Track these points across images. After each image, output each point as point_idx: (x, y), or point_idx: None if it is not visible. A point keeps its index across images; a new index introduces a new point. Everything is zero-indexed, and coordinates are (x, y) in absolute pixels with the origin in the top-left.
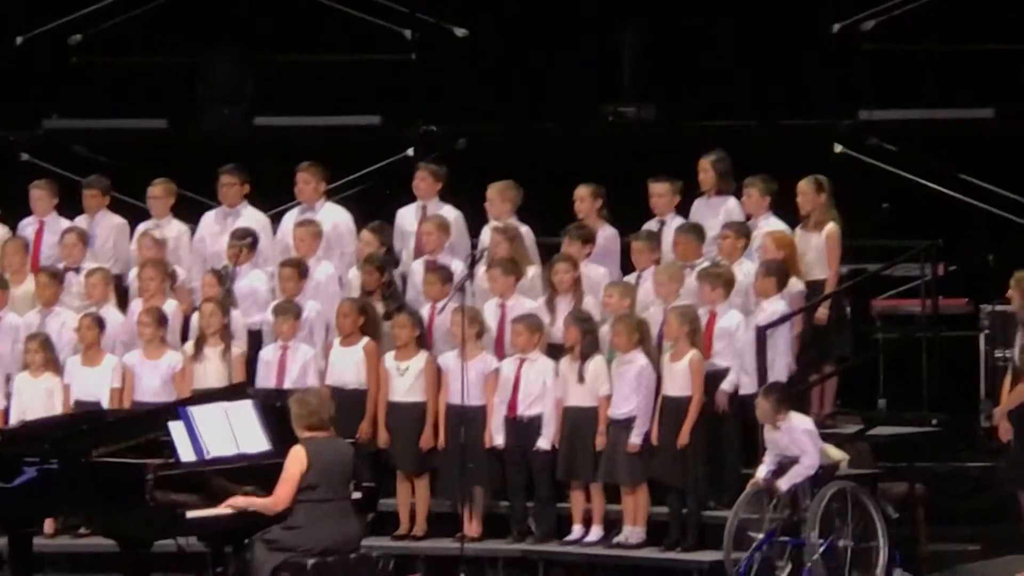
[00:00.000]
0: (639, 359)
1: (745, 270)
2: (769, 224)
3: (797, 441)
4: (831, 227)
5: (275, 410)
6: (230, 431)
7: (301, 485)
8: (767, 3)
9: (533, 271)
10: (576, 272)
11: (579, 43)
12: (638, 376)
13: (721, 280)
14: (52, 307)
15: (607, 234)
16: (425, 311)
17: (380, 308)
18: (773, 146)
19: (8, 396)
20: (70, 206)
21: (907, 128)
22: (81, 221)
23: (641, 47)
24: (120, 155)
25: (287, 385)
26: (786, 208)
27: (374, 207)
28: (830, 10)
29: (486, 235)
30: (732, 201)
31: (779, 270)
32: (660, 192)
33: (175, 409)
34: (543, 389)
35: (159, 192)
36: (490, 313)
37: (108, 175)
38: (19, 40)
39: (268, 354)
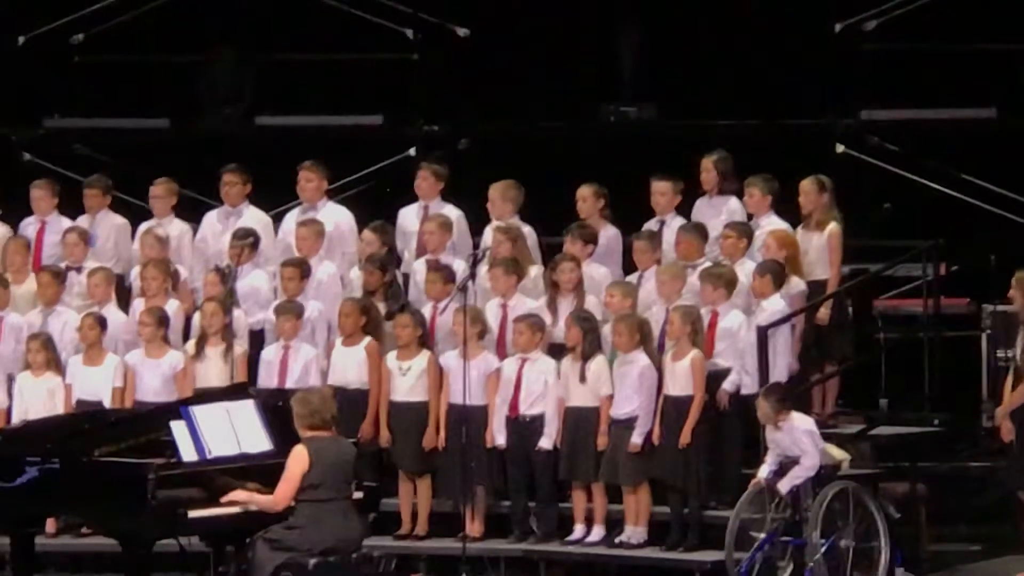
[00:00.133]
0: (641, 359)
1: (747, 270)
2: (771, 224)
3: (798, 441)
4: (833, 227)
5: (277, 410)
6: (232, 431)
7: (303, 484)
8: (769, 3)
9: (535, 271)
10: (579, 271)
11: (581, 43)
12: (640, 376)
13: (723, 280)
14: (54, 307)
15: (609, 234)
16: (427, 311)
17: (382, 308)
18: (775, 146)
19: (10, 396)
20: (72, 206)
21: (909, 128)
22: (82, 221)
23: (642, 47)
24: (122, 154)
25: (289, 385)
26: (788, 208)
27: (376, 207)
28: (832, 10)
29: (488, 235)
30: (734, 201)
31: (775, 270)
32: (662, 191)
33: (177, 409)
34: (545, 389)
35: (161, 192)
36: (492, 313)
37: (110, 175)
38: (21, 40)
39: (270, 354)
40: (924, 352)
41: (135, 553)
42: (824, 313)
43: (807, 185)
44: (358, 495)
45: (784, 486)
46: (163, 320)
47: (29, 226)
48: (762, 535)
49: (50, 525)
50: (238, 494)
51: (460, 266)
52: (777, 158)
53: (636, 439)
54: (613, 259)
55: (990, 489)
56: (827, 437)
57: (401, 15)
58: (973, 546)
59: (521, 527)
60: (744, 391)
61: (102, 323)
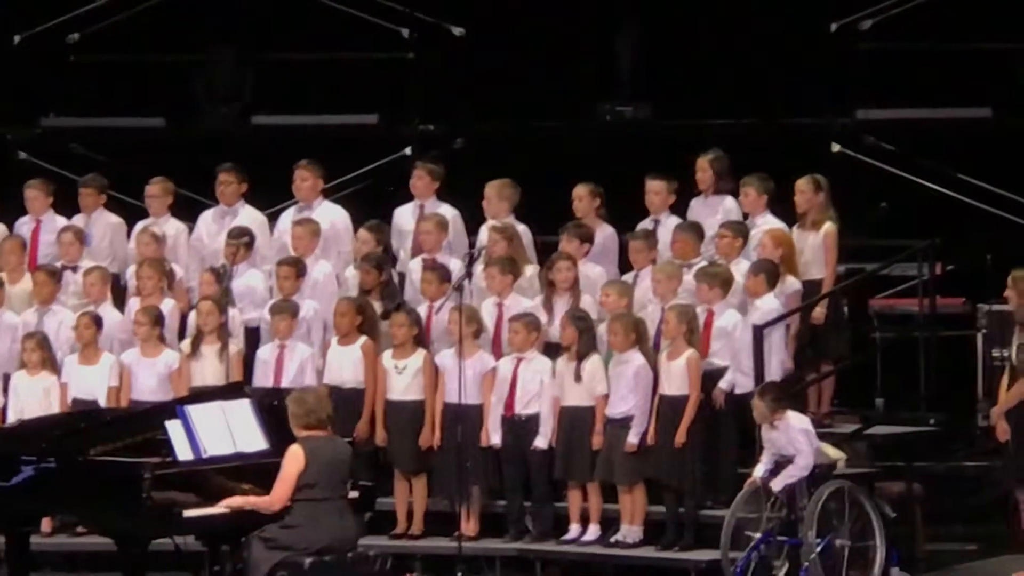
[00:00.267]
0: (636, 358)
1: (743, 269)
2: (767, 223)
3: (793, 440)
4: (828, 226)
5: (272, 409)
6: (227, 430)
7: (299, 484)
8: (765, 2)
9: (531, 270)
10: (575, 271)
11: (577, 42)
12: (635, 375)
13: (719, 279)
14: (49, 306)
15: (605, 233)
16: (423, 310)
17: (378, 307)
18: (771, 145)
19: (5, 395)
20: (68, 205)
21: (905, 127)
22: (78, 220)
23: (638, 46)
24: (118, 154)
25: (284, 384)
26: (783, 207)
27: (371, 206)
28: (828, 9)
29: (484, 234)
30: (730, 200)
31: (769, 269)
32: (656, 190)
33: (173, 408)
34: (540, 388)
35: (157, 191)
36: (487, 312)
37: (106, 174)
38: (17, 38)
39: (265, 353)
40: (920, 352)
41: (130, 552)
42: (820, 312)
43: (803, 184)
44: (354, 494)
45: (777, 484)
46: (158, 319)
47: (24, 225)
48: (758, 534)
49: (45, 524)
50: (234, 500)
51: (456, 265)
52: (773, 157)
53: (632, 439)
54: (609, 258)
55: (986, 488)
56: (823, 436)
57: (397, 14)
58: (969, 545)
59: (517, 526)
60: (739, 390)
61: (98, 322)
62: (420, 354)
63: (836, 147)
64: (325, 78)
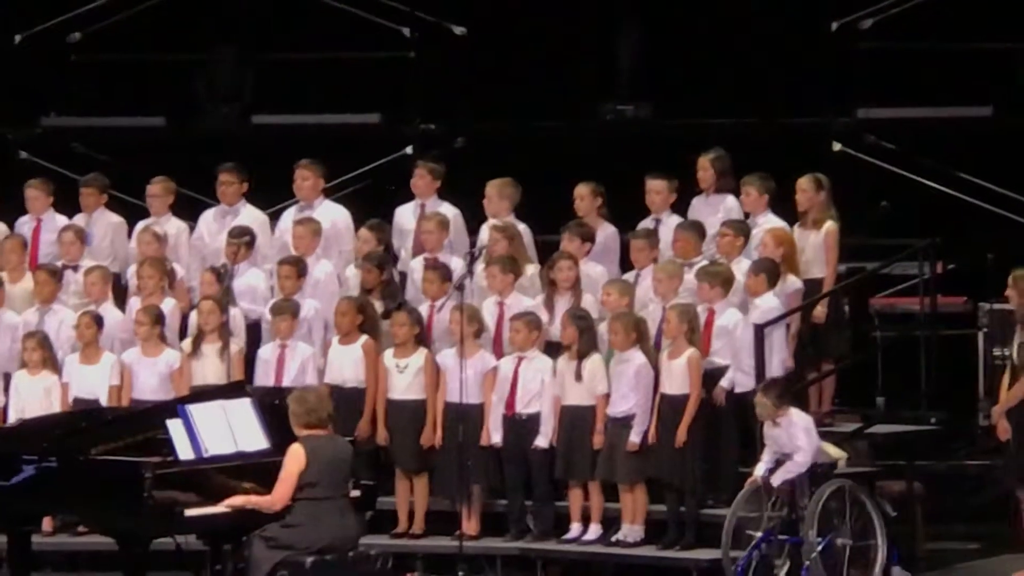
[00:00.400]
0: (637, 357)
1: (744, 268)
2: (768, 222)
3: (795, 437)
4: (829, 225)
5: (273, 408)
6: (229, 429)
7: (300, 483)
8: (765, 2)
9: (532, 269)
10: (576, 270)
11: (577, 41)
12: (636, 375)
13: (720, 278)
14: (50, 305)
15: (607, 232)
16: (424, 309)
17: (379, 306)
18: (772, 144)
19: (6, 394)
20: (69, 204)
21: (905, 126)
22: (79, 219)
23: (639, 45)
24: (119, 153)
25: (286, 383)
26: (784, 206)
27: (372, 205)
28: (828, 8)
29: (484, 233)
30: (731, 199)
31: (769, 268)
32: (657, 189)
33: (174, 407)
34: (541, 387)
35: (158, 190)
36: (488, 311)
37: (107, 173)
38: (18, 38)
39: (267, 352)
40: (921, 350)
41: (132, 551)
42: (821, 311)
43: (804, 183)
44: (355, 493)
45: (777, 479)
46: (159, 318)
47: (25, 225)
48: (759, 533)
49: (47, 523)
50: (235, 500)
51: (457, 264)
52: (774, 156)
53: (634, 438)
54: (611, 258)
55: (987, 487)
56: (824, 435)
57: (398, 13)
58: (970, 544)
59: (518, 526)
60: (740, 389)
61: (99, 321)
62: (421, 353)
63: (837, 146)
64: (326, 77)
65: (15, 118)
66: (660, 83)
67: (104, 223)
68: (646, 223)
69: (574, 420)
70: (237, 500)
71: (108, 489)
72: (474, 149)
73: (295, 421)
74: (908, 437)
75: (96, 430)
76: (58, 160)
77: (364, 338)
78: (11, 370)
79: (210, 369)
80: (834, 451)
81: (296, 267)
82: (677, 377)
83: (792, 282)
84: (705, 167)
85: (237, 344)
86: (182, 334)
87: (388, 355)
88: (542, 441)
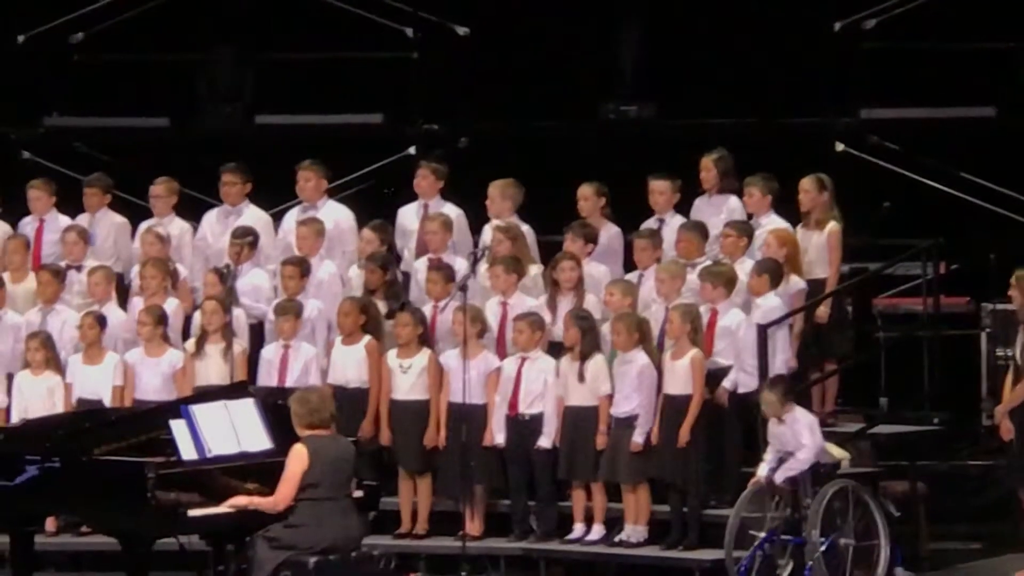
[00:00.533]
0: (640, 358)
1: (747, 269)
2: (771, 223)
3: (798, 435)
4: (832, 226)
5: (276, 408)
6: (232, 429)
7: (303, 484)
8: (768, 2)
9: (535, 270)
10: (579, 270)
11: (580, 42)
12: (639, 375)
13: (723, 279)
14: (53, 305)
15: (611, 233)
16: (427, 309)
17: (382, 307)
18: (774, 145)
19: (9, 395)
20: (72, 204)
21: (908, 127)
22: (82, 220)
23: (642, 46)
24: (122, 153)
25: (289, 384)
26: (787, 207)
27: (376, 205)
28: (831, 9)
29: (487, 233)
30: (734, 200)
31: (772, 268)
32: (660, 189)
33: (177, 407)
34: (544, 388)
35: (161, 191)
36: (492, 311)
37: (110, 173)
38: (21, 38)
39: (270, 353)
40: (924, 351)
41: (135, 552)
42: (824, 312)
43: (807, 184)
44: (358, 494)
45: (779, 477)
46: (162, 319)
47: (27, 225)
48: (762, 534)
49: (50, 524)
50: (238, 500)
51: (460, 265)
52: (777, 157)
53: (638, 438)
54: (614, 258)
55: (990, 487)
56: (827, 436)
57: (401, 14)
58: (973, 544)
59: (521, 526)
60: (743, 390)
61: (102, 322)
62: (425, 354)
63: (840, 146)
64: (329, 78)
65: (18, 118)
66: (663, 83)
67: (107, 223)
68: (649, 223)
69: (577, 420)
70: (240, 500)
71: (111, 489)
72: (477, 149)
73: (298, 422)
74: (911, 437)
75: (99, 430)
76: (61, 160)
77: (367, 338)
78: (14, 370)
79: (213, 369)
80: (837, 451)
81: (299, 267)
82: (680, 377)
83: (795, 282)
84: (708, 167)
85: (240, 344)
86: (185, 334)
87: (391, 355)
88: (545, 441)
